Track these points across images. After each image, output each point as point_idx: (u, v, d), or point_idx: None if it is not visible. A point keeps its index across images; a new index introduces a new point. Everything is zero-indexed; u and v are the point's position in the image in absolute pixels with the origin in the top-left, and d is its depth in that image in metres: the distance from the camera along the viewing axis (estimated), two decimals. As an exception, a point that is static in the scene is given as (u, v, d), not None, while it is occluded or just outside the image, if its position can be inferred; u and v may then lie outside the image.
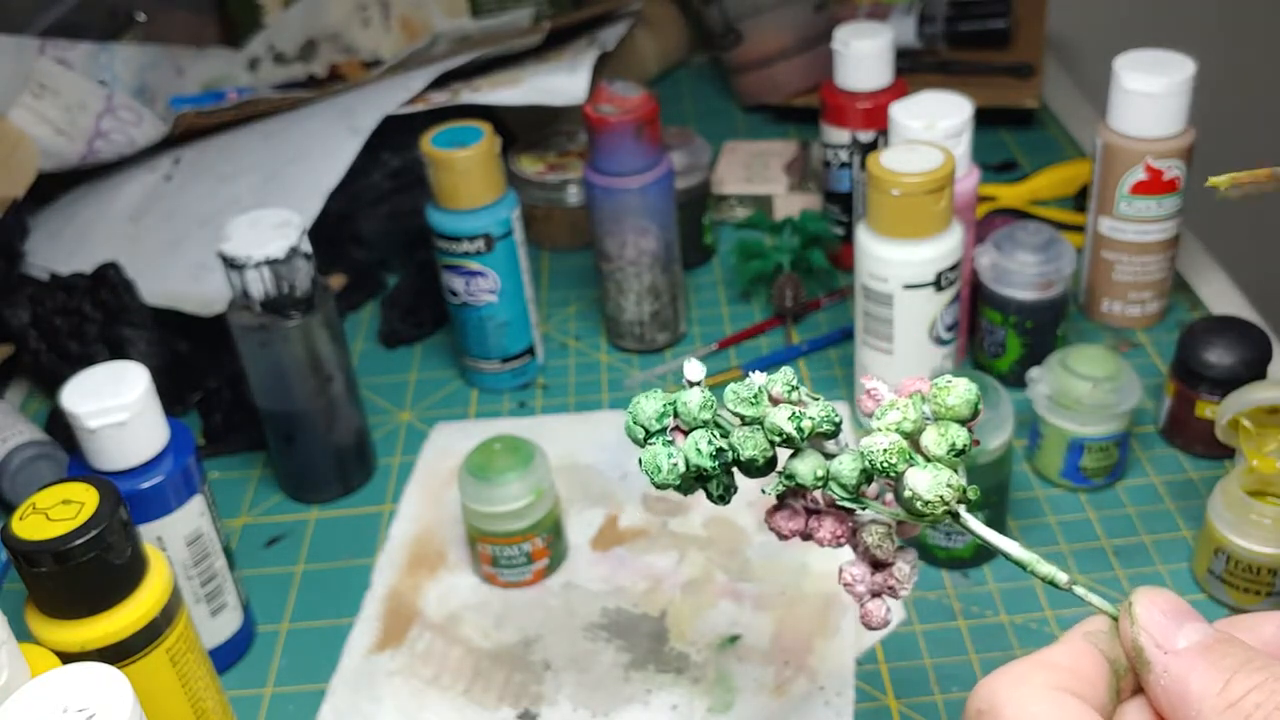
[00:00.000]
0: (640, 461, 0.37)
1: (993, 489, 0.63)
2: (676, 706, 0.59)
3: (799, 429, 0.35)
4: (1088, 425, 0.66)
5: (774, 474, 0.37)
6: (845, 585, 0.39)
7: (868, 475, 0.36)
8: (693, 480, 0.37)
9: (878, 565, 0.39)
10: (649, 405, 0.37)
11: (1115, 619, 0.34)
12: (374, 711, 0.60)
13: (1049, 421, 0.68)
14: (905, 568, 0.39)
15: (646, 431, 0.37)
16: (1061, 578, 0.36)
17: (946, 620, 0.62)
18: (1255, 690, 0.30)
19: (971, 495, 0.36)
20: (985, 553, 0.65)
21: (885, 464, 0.35)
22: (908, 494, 0.35)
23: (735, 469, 0.37)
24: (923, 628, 0.62)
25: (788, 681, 0.59)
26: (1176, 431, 0.71)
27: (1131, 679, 0.34)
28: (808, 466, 0.36)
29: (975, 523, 0.36)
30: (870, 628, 0.39)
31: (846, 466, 0.36)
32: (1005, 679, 0.32)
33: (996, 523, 0.64)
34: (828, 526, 0.38)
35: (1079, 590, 0.36)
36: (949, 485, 0.35)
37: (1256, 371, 0.68)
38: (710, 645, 0.62)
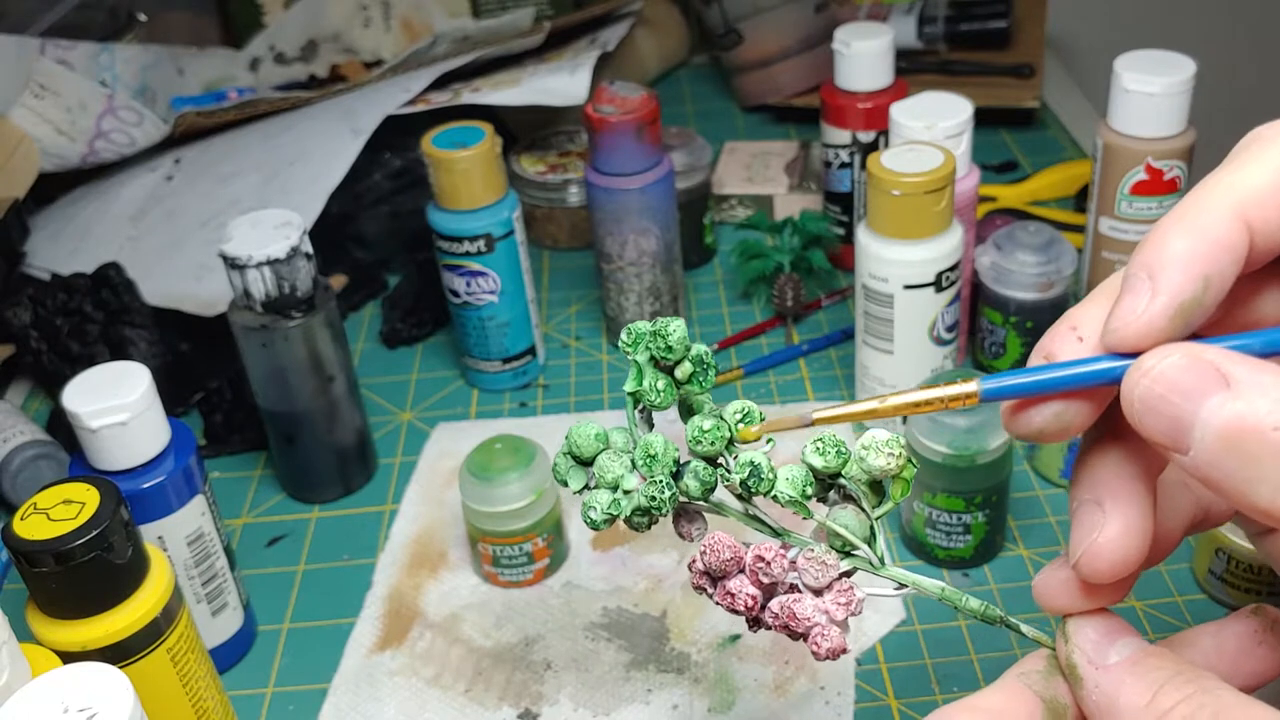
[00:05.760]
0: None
1: (993, 489, 0.63)
2: (677, 706, 0.59)
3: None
4: (1088, 425, 0.66)
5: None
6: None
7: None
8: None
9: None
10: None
11: (1051, 648, 0.35)
12: (375, 711, 0.60)
13: (1049, 421, 0.67)
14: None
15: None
16: (994, 612, 0.36)
17: (946, 620, 0.62)
18: (1184, 702, 0.30)
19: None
20: (985, 553, 0.65)
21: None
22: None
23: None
24: (923, 627, 0.62)
25: (788, 681, 0.59)
26: (1176, 431, 0.71)
27: (1070, 717, 0.34)
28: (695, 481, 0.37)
29: (898, 571, 0.36)
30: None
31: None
32: None
33: (996, 523, 0.64)
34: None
35: (1014, 622, 0.36)
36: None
37: (1256, 371, 0.68)
38: (710, 645, 0.62)
